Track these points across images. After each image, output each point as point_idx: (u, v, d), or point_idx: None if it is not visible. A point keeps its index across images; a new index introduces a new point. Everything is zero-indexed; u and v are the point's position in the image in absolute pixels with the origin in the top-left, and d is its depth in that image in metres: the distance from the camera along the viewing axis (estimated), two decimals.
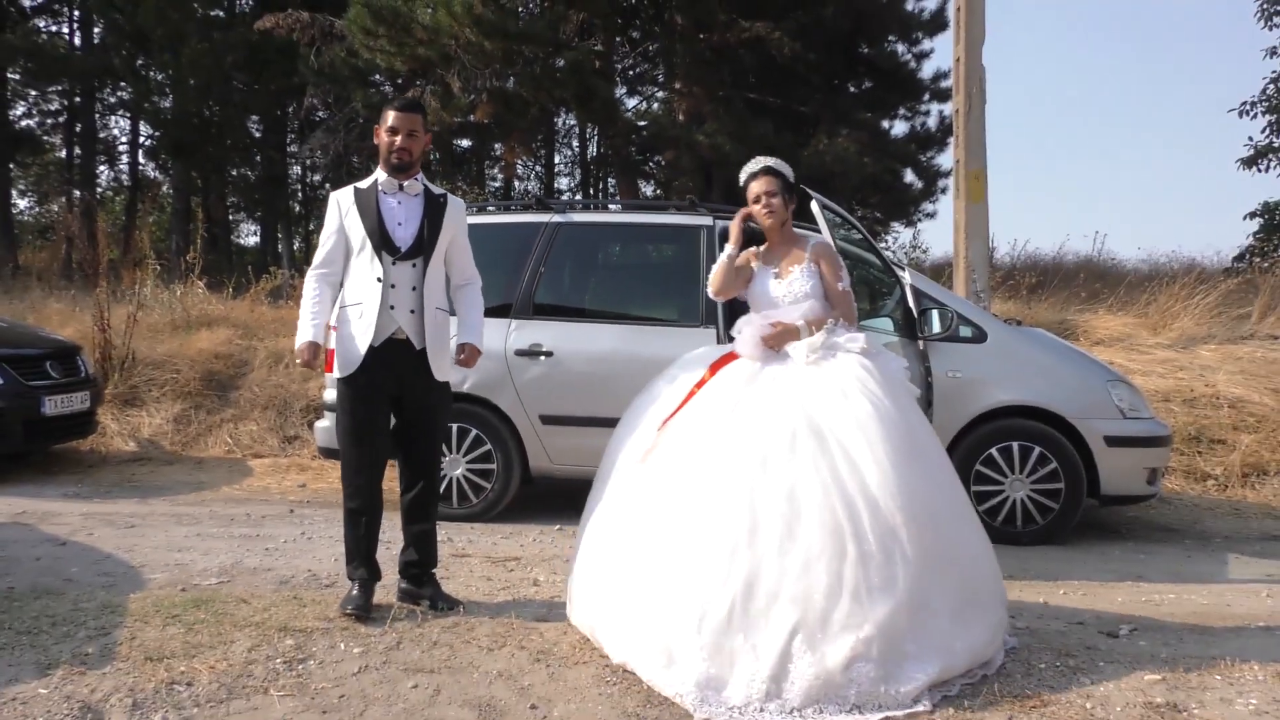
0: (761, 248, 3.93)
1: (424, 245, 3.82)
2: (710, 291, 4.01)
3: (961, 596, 3.16)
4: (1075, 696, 3.04)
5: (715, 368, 3.69)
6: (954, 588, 3.14)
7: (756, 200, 3.82)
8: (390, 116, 3.83)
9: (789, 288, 3.76)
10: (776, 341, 3.60)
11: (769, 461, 3.20)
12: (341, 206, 3.86)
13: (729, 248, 3.88)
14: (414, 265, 3.81)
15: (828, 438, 3.22)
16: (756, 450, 3.24)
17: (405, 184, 3.84)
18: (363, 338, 3.75)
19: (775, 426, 3.28)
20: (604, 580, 3.40)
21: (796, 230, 4.01)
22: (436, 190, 3.94)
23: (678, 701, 2.93)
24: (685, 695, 2.92)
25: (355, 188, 3.90)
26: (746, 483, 3.17)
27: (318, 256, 3.88)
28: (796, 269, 3.77)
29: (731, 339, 3.88)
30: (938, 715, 2.88)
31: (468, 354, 3.97)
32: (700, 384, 3.65)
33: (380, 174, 3.86)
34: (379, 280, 3.75)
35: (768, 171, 3.83)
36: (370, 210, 3.80)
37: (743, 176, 3.91)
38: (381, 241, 3.77)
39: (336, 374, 3.85)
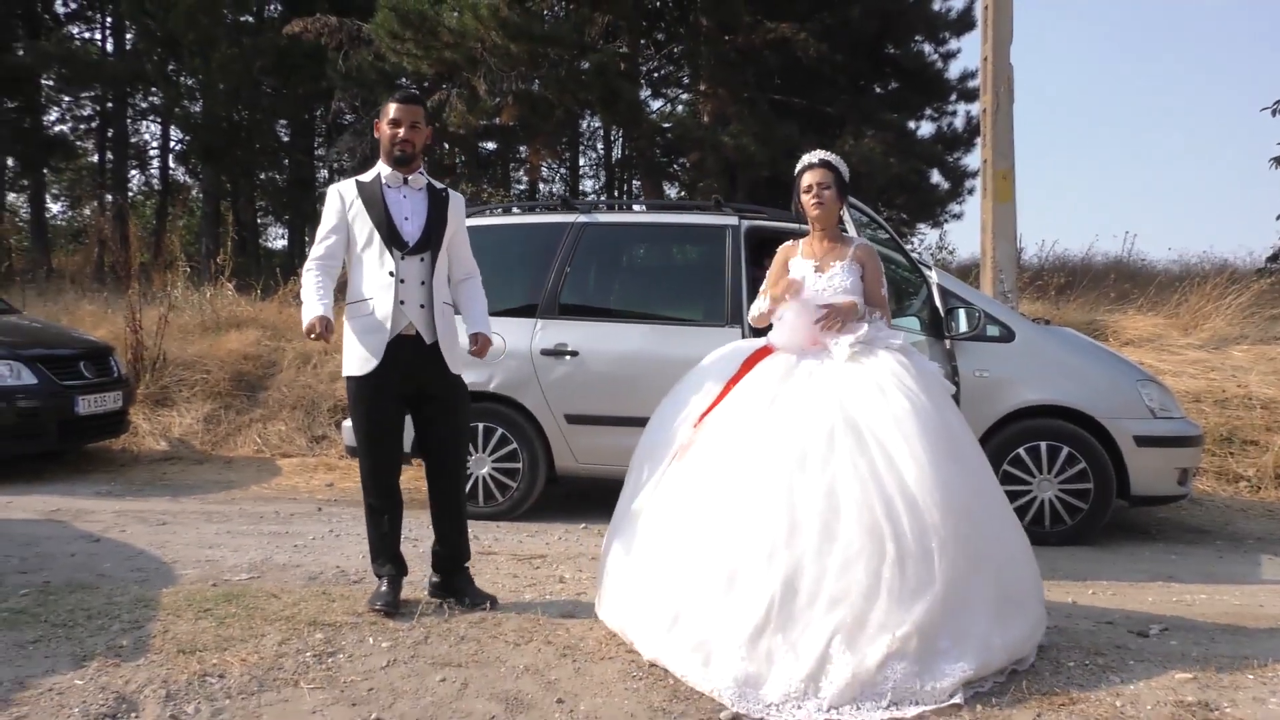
0: (802, 241, 3.91)
1: (432, 239, 3.79)
2: (751, 321, 4.02)
3: (999, 594, 3.13)
4: (1105, 695, 3.02)
5: (750, 363, 3.68)
6: (992, 585, 3.12)
7: (808, 190, 3.79)
8: (392, 109, 3.78)
9: (829, 283, 3.73)
10: (833, 321, 3.56)
11: (807, 460, 3.19)
12: (345, 199, 3.80)
13: (767, 302, 3.84)
14: (422, 260, 3.76)
15: (865, 435, 3.22)
16: (794, 448, 3.23)
17: (409, 178, 3.80)
18: (377, 334, 3.69)
19: (813, 424, 3.27)
20: (637, 578, 3.40)
21: (841, 233, 3.99)
22: (438, 184, 3.91)
23: (715, 698, 2.93)
24: (723, 692, 2.92)
25: (357, 181, 3.84)
26: (785, 481, 3.16)
27: (318, 249, 3.80)
28: (838, 264, 3.75)
29: (760, 332, 3.87)
30: (966, 711, 2.86)
31: (481, 344, 3.90)
32: (735, 379, 3.65)
33: (383, 167, 3.81)
34: (391, 275, 3.70)
35: (824, 164, 3.82)
36: (377, 204, 3.75)
37: (798, 166, 3.89)
38: (390, 236, 3.73)
39: (349, 373, 3.78)
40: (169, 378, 8.70)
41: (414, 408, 3.88)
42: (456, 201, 3.94)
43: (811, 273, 3.77)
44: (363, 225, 3.76)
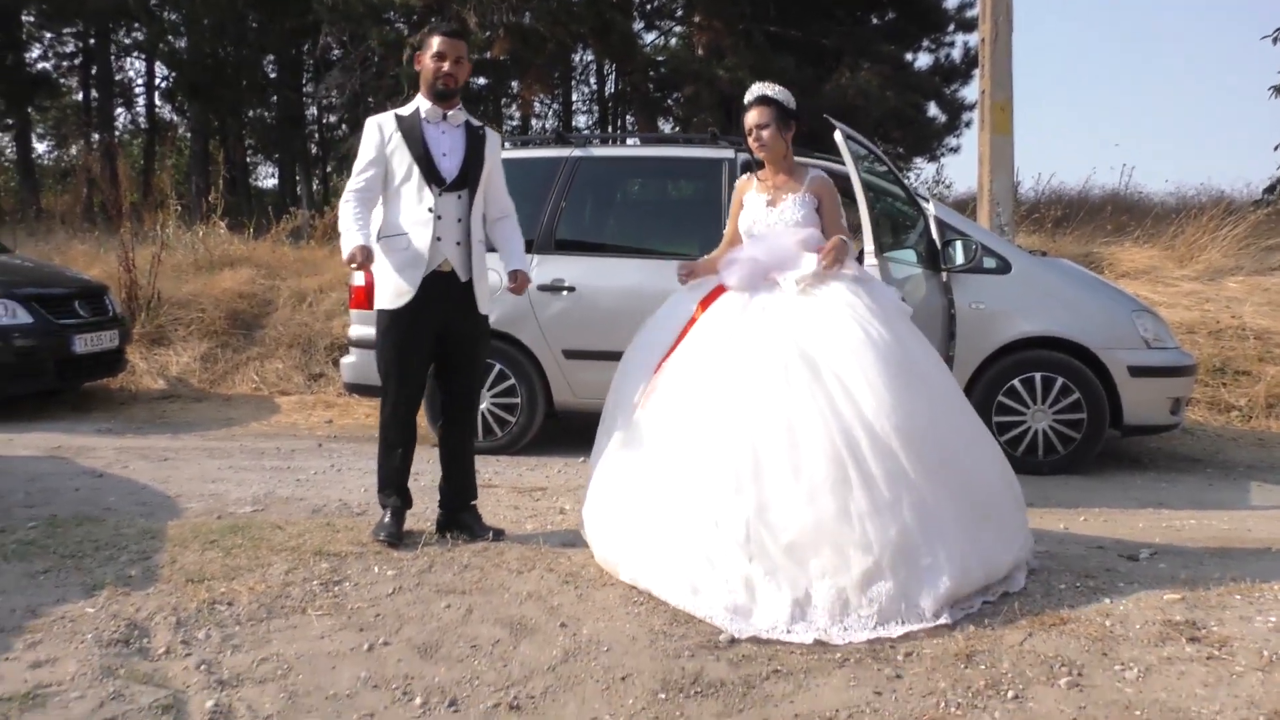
0: (757, 175, 3.90)
1: (469, 177, 3.77)
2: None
3: (974, 512, 3.20)
4: (1094, 614, 3.09)
5: (705, 303, 3.69)
6: (964, 504, 3.19)
7: (749, 133, 3.78)
8: (436, 41, 3.73)
9: (780, 216, 3.74)
10: (834, 259, 3.51)
11: (765, 395, 3.23)
12: (384, 131, 3.75)
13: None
14: (459, 197, 3.75)
15: (820, 366, 3.25)
16: (752, 384, 3.27)
17: (449, 114, 3.77)
18: (413, 269, 3.69)
19: (768, 359, 3.31)
20: (618, 518, 3.46)
21: (799, 161, 3.94)
22: (475, 122, 3.88)
23: (710, 621, 3.00)
24: (716, 617, 3.01)
25: (396, 114, 3.80)
26: (745, 418, 3.21)
27: (357, 181, 3.75)
28: (790, 197, 3.75)
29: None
30: (958, 631, 2.94)
31: (519, 281, 3.90)
32: (691, 321, 3.66)
33: (423, 102, 3.77)
34: (430, 210, 3.69)
35: (760, 101, 3.77)
36: (416, 139, 3.71)
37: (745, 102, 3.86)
38: (429, 172, 3.70)
39: (380, 305, 3.79)
40: (164, 317, 8.69)
41: (438, 343, 3.88)
42: (493, 140, 3.91)
43: (763, 207, 3.78)
44: (401, 159, 3.73)
